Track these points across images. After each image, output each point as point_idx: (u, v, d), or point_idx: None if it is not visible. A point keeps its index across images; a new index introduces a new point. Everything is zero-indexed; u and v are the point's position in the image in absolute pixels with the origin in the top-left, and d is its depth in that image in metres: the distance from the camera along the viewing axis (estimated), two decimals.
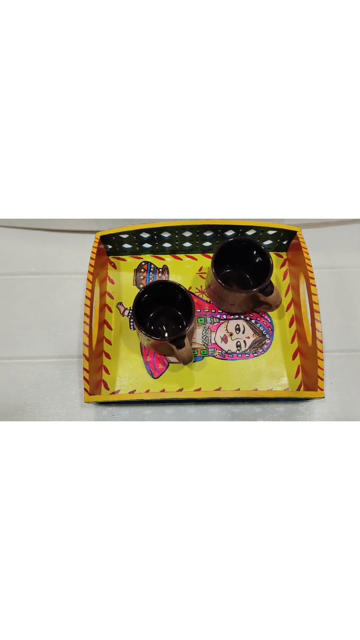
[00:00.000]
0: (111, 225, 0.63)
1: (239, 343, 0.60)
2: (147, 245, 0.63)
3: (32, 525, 0.38)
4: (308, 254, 0.57)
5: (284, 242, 0.63)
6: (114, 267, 0.65)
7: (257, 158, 0.44)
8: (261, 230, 0.60)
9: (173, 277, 0.63)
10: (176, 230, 0.59)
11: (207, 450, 0.41)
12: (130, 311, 0.61)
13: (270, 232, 0.60)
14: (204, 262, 0.64)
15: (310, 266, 0.56)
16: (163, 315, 0.59)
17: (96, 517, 0.38)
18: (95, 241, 0.59)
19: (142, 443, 0.41)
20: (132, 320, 0.61)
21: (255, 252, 0.56)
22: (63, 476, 0.40)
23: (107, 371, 0.59)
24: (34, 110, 0.42)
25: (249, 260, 0.58)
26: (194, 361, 0.58)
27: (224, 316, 0.61)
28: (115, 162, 0.44)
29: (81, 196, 0.45)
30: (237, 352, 0.59)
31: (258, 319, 0.61)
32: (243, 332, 0.60)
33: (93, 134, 0.43)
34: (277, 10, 0.40)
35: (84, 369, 0.51)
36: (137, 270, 0.64)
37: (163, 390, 0.57)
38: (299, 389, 0.57)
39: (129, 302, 0.62)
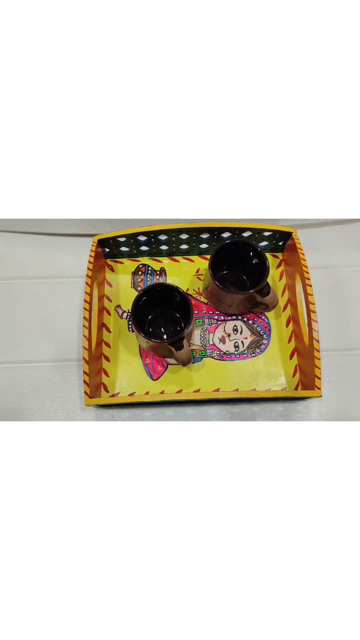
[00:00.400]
0: (107, 225, 0.64)
1: (236, 344, 0.60)
2: (144, 247, 0.63)
3: (31, 527, 0.38)
4: (303, 254, 0.58)
5: (280, 243, 0.63)
6: (112, 270, 0.65)
7: (253, 158, 0.44)
8: (257, 232, 0.60)
9: (170, 279, 0.64)
10: (173, 233, 0.60)
11: (207, 450, 0.41)
12: (129, 314, 0.62)
13: (266, 234, 0.61)
14: (201, 263, 0.65)
15: (306, 266, 0.56)
16: (161, 318, 0.59)
17: (96, 517, 0.39)
18: (92, 245, 0.59)
19: (142, 443, 0.42)
20: (130, 322, 0.62)
21: (251, 253, 0.57)
22: (63, 476, 0.40)
23: (106, 374, 0.59)
24: (29, 111, 0.42)
25: (245, 262, 0.58)
26: (192, 362, 0.59)
27: (222, 317, 0.62)
28: (110, 162, 0.44)
29: (76, 196, 0.45)
30: (235, 352, 0.60)
31: (255, 319, 0.62)
32: (241, 333, 0.61)
33: (88, 134, 0.43)
34: (276, 11, 0.40)
35: (84, 372, 0.52)
36: (134, 273, 0.65)
37: (162, 392, 0.58)
38: (296, 388, 0.58)
39: (127, 305, 0.62)
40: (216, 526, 0.39)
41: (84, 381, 0.52)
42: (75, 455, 0.41)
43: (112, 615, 0.36)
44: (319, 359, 0.52)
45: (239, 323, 0.62)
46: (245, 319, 0.62)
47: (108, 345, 0.60)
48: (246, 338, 0.61)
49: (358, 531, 0.38)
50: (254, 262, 0.57)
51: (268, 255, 0.65)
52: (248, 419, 0.58)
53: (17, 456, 0.41)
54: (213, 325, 0.61)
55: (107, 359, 0.60)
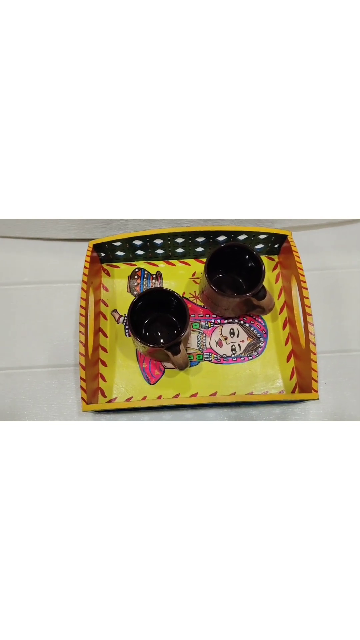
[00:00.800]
0: (102, 229, 0.63)
1: (233, 347, 0.60)
2: (140, 252, 0.63)
3: (27, 531, 0.38)
4: (299, 256, 0.58)
5: (276, 246, 0.63)
6: (108, 274, 0.65)
7: (249, 159, 0.44)
8: (252, 235, 0.60)
9: (167, 283, 0.64)
10: (168, 237, 0.60)
11: (204, 450, 0.41)
12: (125, 318, 0.62)
13: (262, 237, 0.61)
14: (197, 267, 0.65)
15: (302, 269, 0.57)
16: (158, 321, 0.59)
17: (94, 518, 0.39)
18: (88, 249, 0.59)
19: (140, 443, 0.42)
20: (127, 327, 0.62)
21: (247, 256, 0.57)
22: (59, 477, 0.40)
23: (103, 379, 0.59)
24: (24, 112, 0.42)
25: (241, 265, 0.58)
26: (189, 366, 0.59)
27: (218, 320, 0.62)
28: (105, 163, 0.43)
29: (70, 196, 0.45)
30: (232, 355, 0.60)
31: (252, 322, 0.62)
32: (237, 336, 0.61)
33: (83, 135, 0.43)
34: (275, 11, 0.40)
35: (81, 378, 0.52)
36: (130, 277, 0.65)
37: (160, 397, 0.58)
38: (293, 391, 0.58)
39: (123, 309, 0.62)
40: (215, 527, 0.39)
41: (81, 387, 0.51)
42: (71, 455, 0.41)
43: (108, 615, 0.36)
44: (316, 362, 0.52)
45: (235, 326, 0.62)
46: (241, 322, 0.62)
47: (105, 350, 0.60)
48: (243, 341, 0.61)
49: (356, 529, 0.38)
50: (249, 265, 0.57)
51: (264, 257, 0.65)
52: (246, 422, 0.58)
53: (12, 456, 0.41)
54: (210, 328, 0.61)
55: (104, 364, 0.60)
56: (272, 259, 0.66)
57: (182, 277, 0.64)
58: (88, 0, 0.40)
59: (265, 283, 0.55)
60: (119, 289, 0.64)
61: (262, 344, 0.61)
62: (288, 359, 0.60)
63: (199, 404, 0.55)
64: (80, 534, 0.38)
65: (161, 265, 0.65)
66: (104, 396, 0.58)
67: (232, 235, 0.60)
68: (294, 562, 0.37)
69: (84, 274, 0.56)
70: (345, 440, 0.41)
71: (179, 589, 0.37)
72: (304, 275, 0.56)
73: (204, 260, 0.63)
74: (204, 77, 0.42)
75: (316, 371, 0.52)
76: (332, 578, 0.37)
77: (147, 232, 0.59)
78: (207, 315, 0.62)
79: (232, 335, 0.61)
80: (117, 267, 0.65)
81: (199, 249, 0.63)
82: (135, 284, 0.64)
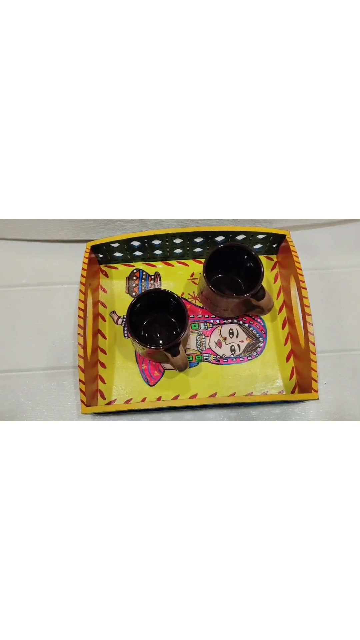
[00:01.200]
0: (100, 230, 0.63)
1: (233, 347, 0.60)
2: (138, 253, 0.63)
3: (27, 530, 0.38)
4: (297, 256, 0.58)
5: (274, 246, 0.63)
6: (106, 275, 0.65)
7: (248, 159, 0.44)
8: (251, 235, 0.60)
9: (165, 284, 0.64)
10: (167, 238, 0.60)
11: (204, 451, 0.41)
12: (124, 319, 0.62)
13: (260, 236, 0.61)
14: (196, 267, 0.65)
15: (300, 269, 0.56)
16: (157, 322, 0.59)
17: (93, 519, 0.38)
18: (86, 251, 0.59)
19: (140, 444, 0.41)
20: (126, 328, 0.61)
21: (246, 257, 0.57)
22: (59, 478, 0.40)
23: (102, 380, 0.59)
24: (20, 113, 0.42)
25: (240, 265, 0.58)
26: (189, 367, 0.59)
27: (217, 321, 0.62)
28: (102, 163, 0.43)
29: (67, 196, 0.44)
30: (232, 356, 0.60)
31: (251, 322, 0.62)
32: (237, 336, 0.61)
33: (80, 135, 0.42)
34: (275, 11, 0.40)
35: (80, 380, 0.51)
36: (129, 278, 0.64)
37: (159, 398, 0.57)
38: (293, 391, 0.58)
39: (122, 311, 0.62)
40: (215, 527, 0.39)
41: (80, 389, 0.51)
42: (70, 455, 0.41)
43: (108, 615, 0.36)
44: (315, 362, 0.52)
45: (234, 326, 0.61)
46: (241, 322, 0.62)
47: (104, 351, 0.60)
48: (242, 341, 0.61)
49: (356, 529, 0.38)
50: (248, 265, 0.57)
51: (262, 257, 0.65)
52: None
53: (12, 456, 0.40)
54: (209, 329, 0.61)
55: (103, 365, 0.59)
56: (271, 259, 0.65)
57: (180, 278, 0.64)
58: (88, 1, 0.40)
59: (264, 283, 0.55)
60: (118, 290, 0.64)
61: (261, 344, 0.60)
62: (287, 359, 0.60)
63: (198, 405, 0.55)
64: (80, 534, 0.38)
65: (159, 266, 0.65)
66: (104, 398, 0.58)
67: (230, 235, 0.60)
68: (294, 561, 0.37)
69: (82, 275, 0.56)
70: (345, 440, 0.41)
71: (179, 589, 0.37)
72: (302, 275, 0.56)
73: (203, 260, 0.63)
74: (202, 77, 0.42)
75: (316, 371, 0.52)
76: (332, 577, 0.37)
77: (145, 233, 0.59)
78: (206, 316, 0.62)
79: (231, 336, 0.61)
80: (115, 268, 0.65)
81: (197, 250, 0.63)
82: (134, 285, 0.64)
